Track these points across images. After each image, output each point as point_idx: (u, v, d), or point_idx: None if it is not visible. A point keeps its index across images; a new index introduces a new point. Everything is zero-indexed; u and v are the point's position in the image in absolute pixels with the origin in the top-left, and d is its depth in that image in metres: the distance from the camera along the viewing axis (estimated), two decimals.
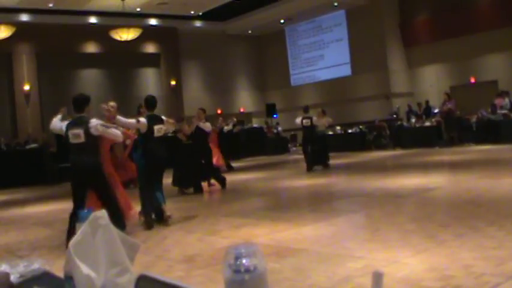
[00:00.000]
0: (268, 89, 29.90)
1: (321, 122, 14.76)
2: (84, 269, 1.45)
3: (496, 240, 4.73)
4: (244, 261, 1.11)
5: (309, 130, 14.19)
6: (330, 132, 20.01)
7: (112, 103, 7.57)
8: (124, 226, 6.25)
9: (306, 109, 14.58)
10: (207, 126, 11.26)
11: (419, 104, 21.62)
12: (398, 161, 15.61)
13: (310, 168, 14.05)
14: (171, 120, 8.18)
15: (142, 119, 7.35)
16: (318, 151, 14.41)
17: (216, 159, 12.67)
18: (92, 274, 1.46)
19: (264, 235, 6.06)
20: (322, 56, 27.38)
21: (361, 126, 22.14)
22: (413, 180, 9.97)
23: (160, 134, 7.50)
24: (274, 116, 26.70)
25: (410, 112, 21.57)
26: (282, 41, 29.26)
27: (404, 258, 4.42)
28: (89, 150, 6.26)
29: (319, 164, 14.39)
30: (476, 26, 20.92)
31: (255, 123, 27.96)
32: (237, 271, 1.10)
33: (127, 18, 22.32)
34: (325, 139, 15.42)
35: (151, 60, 26.07)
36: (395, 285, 3.72)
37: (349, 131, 22.12)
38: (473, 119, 18.65)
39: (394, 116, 22.58)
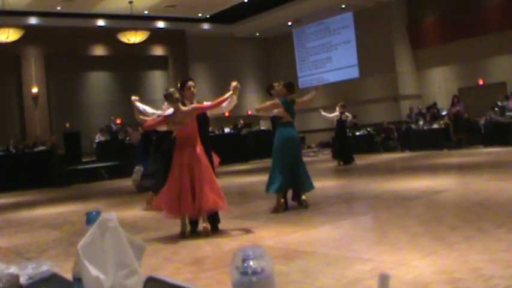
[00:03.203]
0: None
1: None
2: (93, 270, 1.46)
3: (505, 242, 4.71)
4: (251, 263, 1.11)
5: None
6: None
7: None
8: None
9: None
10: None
11: (428, 108, 21.50)
12: (406, 163, 15.56)
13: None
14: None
15: None
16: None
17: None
18: (101, 276, 1.46)
19: (271, 237, 6.06)
20: (329, 58, 27.35)
21: (369, 129, 22.08)
22: (422, 183, 9.93)
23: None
24: None
25: (419, 114, 21.47)
26: (289, 43, 29.25)
27: (412, 261, 4.40)
28: None
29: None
30: (485, 28, 20.83)
31: (263, 125, 27.94)
32: (244, 273, 1.10)
33: (135, 21, 22.39)
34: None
35: (159, 63, 26.15)
36: None
37: (357, 133, 22.07)
38: (482, 121, 18.57)
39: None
